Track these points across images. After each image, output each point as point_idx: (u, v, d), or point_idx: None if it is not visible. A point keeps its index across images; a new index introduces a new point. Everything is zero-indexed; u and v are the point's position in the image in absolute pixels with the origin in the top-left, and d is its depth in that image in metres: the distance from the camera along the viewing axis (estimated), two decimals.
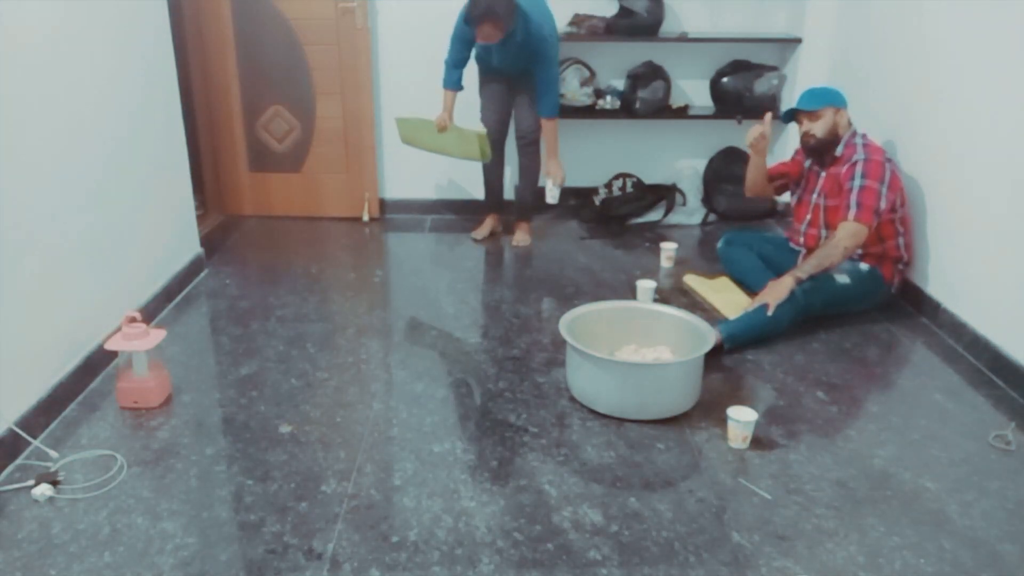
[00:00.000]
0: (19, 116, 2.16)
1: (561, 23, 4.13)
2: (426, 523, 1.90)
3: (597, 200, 4.15)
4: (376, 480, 2.07)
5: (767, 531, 1.89)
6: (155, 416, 2.35)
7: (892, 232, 3.01)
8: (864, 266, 3.01)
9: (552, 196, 3.63)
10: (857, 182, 2.90)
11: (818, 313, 2.93)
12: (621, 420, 2.33)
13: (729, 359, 2.71)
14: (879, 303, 3.10)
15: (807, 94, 3.10)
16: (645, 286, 3.10)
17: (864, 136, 3.05)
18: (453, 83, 3.60)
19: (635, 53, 4.13)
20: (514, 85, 3.64)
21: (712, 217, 4.22)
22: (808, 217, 3.16)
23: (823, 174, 3.10)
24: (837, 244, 2.88)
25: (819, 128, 3.03)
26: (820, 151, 3.07)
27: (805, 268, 2.89)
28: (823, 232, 3.10)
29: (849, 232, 2.88)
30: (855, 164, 2.93)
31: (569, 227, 4.12)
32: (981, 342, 2.69)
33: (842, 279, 2.96)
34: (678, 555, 1.81)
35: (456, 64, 3.57)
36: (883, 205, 2.88)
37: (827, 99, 3.04)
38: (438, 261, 3.65)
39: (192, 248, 3.40)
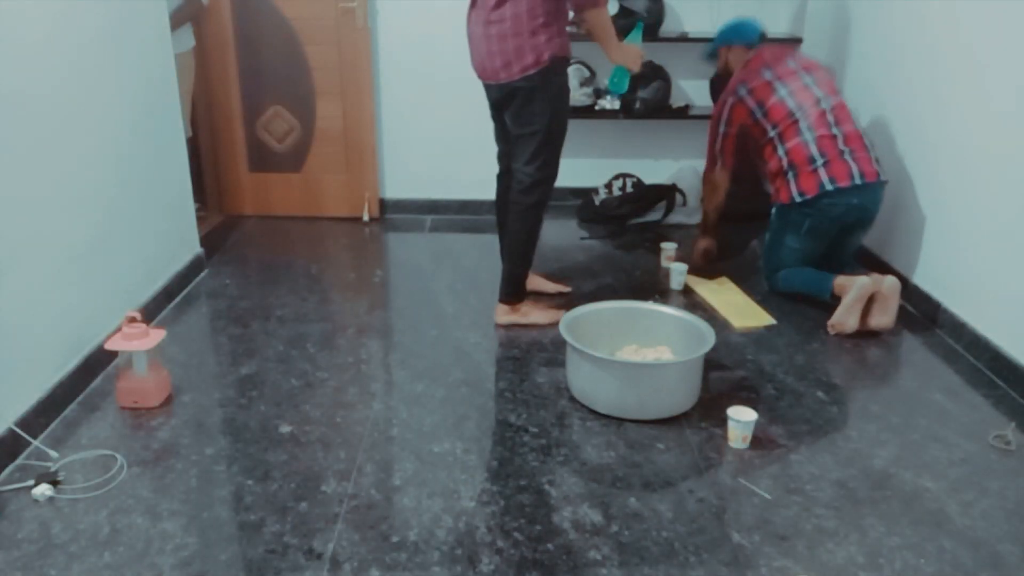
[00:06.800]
0: (18, 116, 2.16)
1: None
2: (426, 523, 1.90)
3: (597, 200, 4.15)
4: (376, 480, 2.07)
5: (767, 531, 1.89)
6: (155, 416, 2.35)
7: (772, 151, 3.09)
8: (773, 214, 3.16)
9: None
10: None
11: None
12: (621, 420, 2.33)
13: (729, 359, 2.71)
14: (806, 216, 2.98)
15: (716, 36, 3.44)
16: (678, 268, 3.29)
17: (744, 67, 3.22)
18: None
19: None
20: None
21: None
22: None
23: None
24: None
25: (718, 68, 3.50)
26: (722, 86, 3.43)
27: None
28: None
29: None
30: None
31: (569, 227, 4.12)
32: (981, 342, 2.69)
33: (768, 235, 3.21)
34: (678, 555, 1.81)
35: None
36: (719, 143, 3.24)
37: (718, 41, 3.40)
38: (438, 261, 3.65)
39: (192, 248, 3.40)
